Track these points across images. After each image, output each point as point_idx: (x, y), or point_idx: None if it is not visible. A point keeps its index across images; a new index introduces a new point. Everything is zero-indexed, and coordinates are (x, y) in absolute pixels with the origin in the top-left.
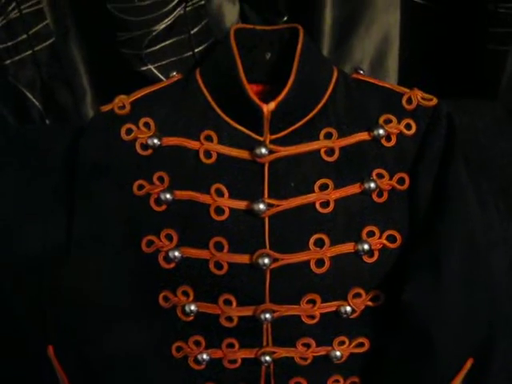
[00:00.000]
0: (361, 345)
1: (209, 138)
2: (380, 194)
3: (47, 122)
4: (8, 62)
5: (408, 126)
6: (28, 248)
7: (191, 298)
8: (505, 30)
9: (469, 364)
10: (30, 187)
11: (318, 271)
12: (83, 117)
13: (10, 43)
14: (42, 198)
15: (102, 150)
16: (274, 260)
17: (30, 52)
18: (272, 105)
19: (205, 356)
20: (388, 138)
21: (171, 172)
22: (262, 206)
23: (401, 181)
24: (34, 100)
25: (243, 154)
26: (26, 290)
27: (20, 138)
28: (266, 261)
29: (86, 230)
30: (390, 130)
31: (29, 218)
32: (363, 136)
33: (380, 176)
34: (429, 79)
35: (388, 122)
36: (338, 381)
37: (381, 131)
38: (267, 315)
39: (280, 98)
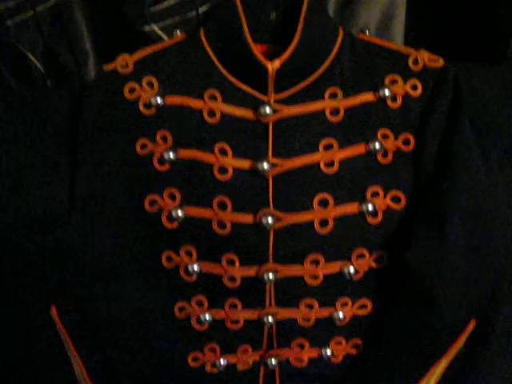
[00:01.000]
0: (364, 306)
1: (213, 97)
2: (385, 155)
3: (49, 84)
4: (10, 23)
5: (414, 87)
6: (31, 207)
7: (194, 257)
8: None
9: (471, 326)
10: (33, 147)
11: (322, 231)
12: (86, 79)
13: (11, 3)
14: (44, 157)
15: (104, 108)
16: (278, 219)
17: (31, 13)
18: (277, 63)
19: (207, 316)
20: (393, 98)
21: (175, 131)
22: (265, 166)
23: (406, 142)
24: (35, 62)
25: (247, 113)
26: (30, 250)
27: (22, 99)
28: (270, 220)
29: (88, 188)
30: (395, 90)
31: (32, 176)
32: (368, 96)
33: (385, 136)
34: (436, 43)
35: (394, 82)
36: (340, 342)
37: (386, 92)
38: (270, 275)
39: (285, 56)
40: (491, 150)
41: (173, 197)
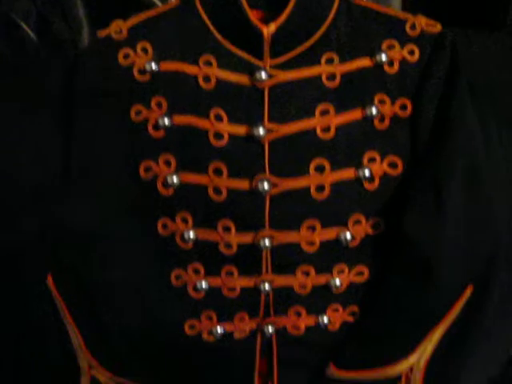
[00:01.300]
0: (360, 273)
1: (208, 63)
2: (382, 120)
3: (42, 53)
4: None
5: (411, 52)
6: (27, 176)
7: (190, 224)
8: None
9: (468, 292)
10: (27, 116)
11: (318, 197)
12: (79, 48)
13: None
14: (37, 127)
15: (99, 75)
16: (274, 185)
17: None
18: (272, 27)
19: (204, 284)
20: (390, 63)
21: (169, 97)
22: (261, 131)
23: (403, 107)
24: (29, 31)
25: (243, 78)
26: (25, 220)
27: (16, 67)
28: (266, 186)
29: (84, 156)
30: (392, 55)
31: (26, 146)
32: (365, 61)
33: (382, 102)
34: (434, 10)
35: (391, 47)
36: (337, 310)
37: (383, 57)
38: (266, 242)
39: (280, 20)
40: (489, 116)
41: (168, 163)
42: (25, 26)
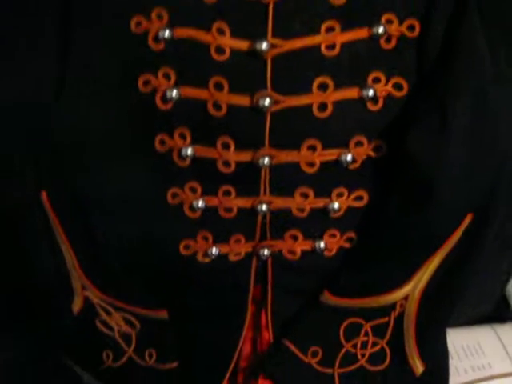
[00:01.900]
0: (360, 198)
1: None
2: (388, 40)
3: None
4: None
5: None
6: (19, 85)
7: (188, 140)
8: None
9: (468, 219)
10: (21, 20)
11: (321, 115)
12: None
13: None
14: (33, 32)
15: None
16: (275, 102)
17: None
18: None
19: (200, 203)
20: None
21: (170, 8)
22: (264, 46)
23: (411, 27)
24: None
25: None
26: (17, 136)
27: None
28: (267, 102)
29: (80, 66)
30: None
31: (20, 55)
32: None
33: (389, 21)
34: None
35: None
36: (334, 235)
37: None
38: (266, 160)
39: None
40: (498, 37)
41: (167, 76)
42: None
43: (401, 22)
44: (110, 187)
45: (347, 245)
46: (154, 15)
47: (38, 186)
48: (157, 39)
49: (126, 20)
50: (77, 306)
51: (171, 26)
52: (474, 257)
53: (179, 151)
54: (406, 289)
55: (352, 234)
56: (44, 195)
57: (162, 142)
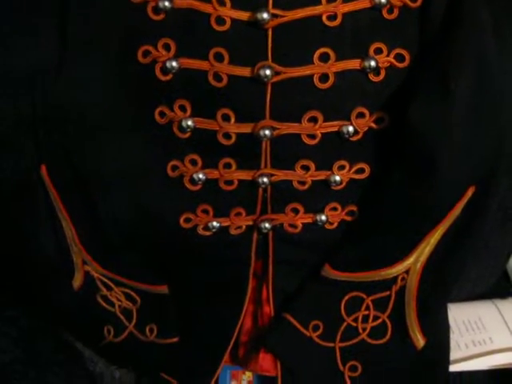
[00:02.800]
0: (361, 170)
1: None
2: (390, 10)
3: None
4: None
5: None
6: (18, 64)
7: (188, 112)
8: None
9: (470, 192)
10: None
11: (322, 86)
12: None
13: None
14: (33, 6)
15: None
16: (276, 73)
17: None
18: None
19: (201, 175)
20: None
21: None
22: (265, 16)
23: None
24: None
25: None
26: (17, 110)
27: None
28: (268, 73)
29: (79, 37)
30: None
31: (17, 32)
32: None
33: None
34: None
35: None
36: (335, 208)
37: None
38: (266, 132)
39: None
40: (504, 18)
41: (167, 47)
42: None
43: None
44: (110, 160)
45: (348, 218)
46: None
47: (38, 160)
48: (156, 9)
49: None
50: (77, 281)
51: None
52: (475, 230)
53: (179, 123)
54: (407, 262)
55: (353, 207)
56: (44, 169)
57: (162, 114)
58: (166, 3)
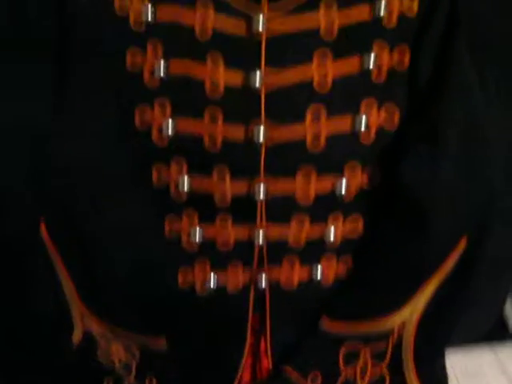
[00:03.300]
0: (355, 226)
1: (205, 6)
2: (379, 73)
3: None
4: None
5: (410, 4)
6: (18, 122)
7: (184, 172)
8: None
9: (463, 244)
10: (21, 58)
11: (314, 145)
12: None
13: None
14: (32, 69)
15: (95, 23)
16: (270, 132)
17: None
18: None
19: (197, 234)
20: (389, 14)
21: (166, 43)
22: (258, 78)
23: (401, 59)
24: None
25: (240, 24)
26: (17, 167)
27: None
28: (262, 133)
29: (79, 97)
30: (391, 6)
31: (17, 91)
32: (364, 9)
33: (380, 52)
34: None
35: None
36: (330, 261)
37: (382, 7)
38: (261, 190)
39: None
40: (488, 67)
41: (163, 110)
42: None
43: (391, 53)
44: (108, 218)
45: (344, 270)
46: (149, 49)
47: (37, 218)
48: (152, 72)
49: (123, 54)
50: (76, 336)
51: (166, 58)
52: (470, 280)
53: (176, 184)
54: (403, 313)
55: (348, 260)
56: (43, 226)
57: (159, 175)
58: (162, 67)
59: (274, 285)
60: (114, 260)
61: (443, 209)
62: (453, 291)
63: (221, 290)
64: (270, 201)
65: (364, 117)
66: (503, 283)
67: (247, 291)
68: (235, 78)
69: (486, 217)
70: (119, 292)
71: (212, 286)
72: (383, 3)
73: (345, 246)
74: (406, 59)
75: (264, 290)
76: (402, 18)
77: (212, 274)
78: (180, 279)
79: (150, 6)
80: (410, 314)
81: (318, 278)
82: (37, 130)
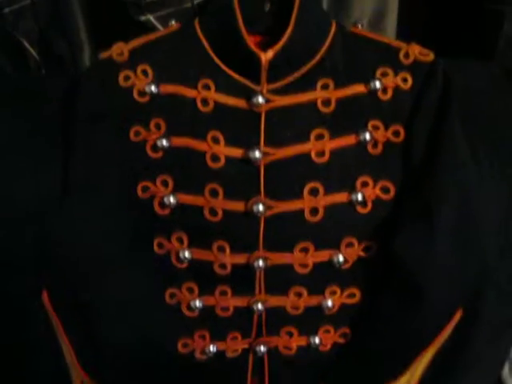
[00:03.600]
0: (352, 295)
1: (206, 87)
2: (375, 146)
3: (44, 71)
4: (7, 10)
5: (404, 80)
6: (24, 196)
7: (185, 244)
8: None
9: (458, 315)
10: (26, 135)
11: (312, 219)
12: (80, 68)
13: None
14: (38, 145)
15: (99, 96)
16: (269, 208)
17: (29, 2)
18: (270, 53)
19: (197, 303)
20: (384, 90)
21: (168, 119)
22: (257, 154)
23: (396, 133)
24: (31, 50)
25: (240, 102)
26: (22, 238)
27: (17, 86)
28: (261, 208)
29: (82, 175)
30: (386, 82)
31: (25, 166)
32: (360, 88)
33: (375, 128)
34: (427, 39)
35: (385, 75)
36: (328, 331)
37: (377, 84)
38: (260, 263)
39: (278, 46)
40: (480, 144)
41: (165, 183)
42: (27, 45)
43: (386, 128)
44: (110, 289)
45: (342, 340)
46: (152, 125)
47: (39, 287)
48: (155, 148)
49: (126, 129)
50: None
51: (168, 135)
52: (466, 348)
53: (177, 254)
54: (400, 382)
55: (346, 330)
56: (45, 295)
57: (161, 245)
58: (164, 142)
59: (272, 351)
60: (114, 329)
61: (438, 284)
62: (450, 358)
63: (220, 355)
64: (269, 272)
65: (360, 194)
66: (502, 346)
67: (246, 356)
68: (235, 154)
69: (481, 289)
70: (119, 359)
71: (211, 355)
72: (377, 82)
73: (342, 315)
74: (401, 133)
75: (263, 355)
76: (396, 91)
77: (211, 345)
78: (180, 347)
79: (153, 84)
80: (407, 382)
81: (317, 344)
82: (43, 203)
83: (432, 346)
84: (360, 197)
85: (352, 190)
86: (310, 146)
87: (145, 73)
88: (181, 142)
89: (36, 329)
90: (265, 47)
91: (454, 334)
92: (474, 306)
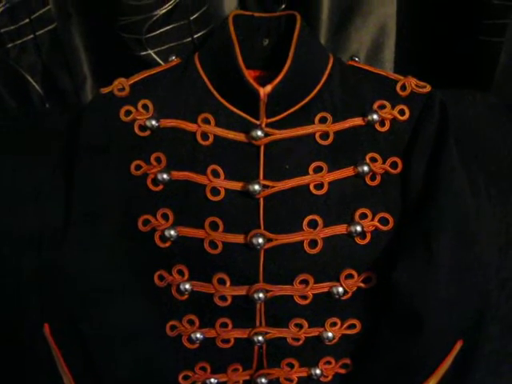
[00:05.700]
0: (352, 326)
1: (206, 121)
2: (373, 178)
3: (47, 106)
4: (10, 45)
5: (401, 112)
6: (26, 228)
7: (186, 276)
8: (499, 22)
9: (458, 346)
10: (29, 168)
11: (311, 252)
12: (83, 102)
13: (12, 27)
14: (40, 178)
15: (101, 130)
16: (268, 240)
17: (31, 36)
18: (268, 88)
19: (198, 335)
20: (382, 123)
21: (168, 153)
22: (257, 187)
23: (394, 165)
24: (34, 84)
25: (240, 136)
26: (23, 269)
27: (20, 120)
28: (261, 241)
29: (83, 208)
30: (383, 115)
31: (27, 198)
32: (357, 121)
33: (373, 160)
34: (424, 71)
35: (382, 107)
36: (329, 362)
37: (375, 116)
38: (260, 295)
39: (276, 81)
40: (477, 174)
41: (166, 217)
42: (30, 79)
43: (384, 160)
44: (112, 321)
45: (343, 371)
46: (152, 159)
47: (41, 318)
48: (155, 181)
49: (127, 163)
50: None
51: (169, 169)
52: (467, 379)
53: (178, 286)
54: None
55: (347, 361)
56: (46, 327)
57: (161, 278)
58: (165, 175)
59: (273, 382)
60: (115, 360)
61: (438, 313)
62: None
63: None
64: (269, 304)
65: (359, 226)
66: (504, 377)
67: None
68: (235, 187)
69: (481, 321)
70: None
71: None
72: (375, 115)
73: (343, 346)
74: (399, 164)
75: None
76: (394, 123)
77: (212, 377)
78: (181, 380)
79: (153, 119)
80: None
81: (318, 375)
82: (45, 235)
83: (432, 378)
84: (359, 228)
85: (351, 221)
86: (309, 179)
87: (145, 107)
88: (181, 175)
89: (36, 360)
90: (263, 81)
91: (455, 364)
92: (474, 338)
